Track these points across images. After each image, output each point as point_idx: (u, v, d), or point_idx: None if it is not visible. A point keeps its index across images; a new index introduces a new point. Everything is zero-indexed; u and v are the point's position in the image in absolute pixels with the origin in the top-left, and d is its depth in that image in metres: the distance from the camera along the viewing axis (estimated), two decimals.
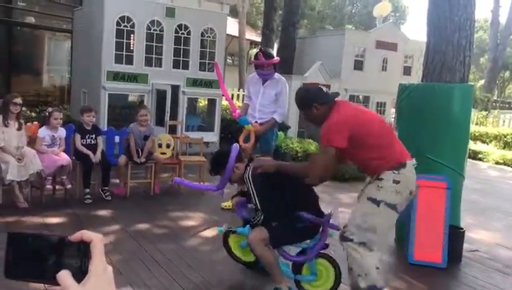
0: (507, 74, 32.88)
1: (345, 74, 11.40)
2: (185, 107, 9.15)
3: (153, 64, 8.83)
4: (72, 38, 11.11)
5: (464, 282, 4.02)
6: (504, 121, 16.91)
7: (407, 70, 12.47)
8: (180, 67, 9.00)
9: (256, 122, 5.43)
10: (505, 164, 11.38)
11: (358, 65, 11.64)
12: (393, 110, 12.27)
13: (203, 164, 6.39)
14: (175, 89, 8.89)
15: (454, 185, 4.43)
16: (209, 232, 4.82)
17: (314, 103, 3.16)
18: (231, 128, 10.27)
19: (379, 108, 12.08)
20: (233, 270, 3.92)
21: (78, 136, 5.63)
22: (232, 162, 3.46)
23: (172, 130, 8.62)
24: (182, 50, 8.95)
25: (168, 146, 6.39)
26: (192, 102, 10.01)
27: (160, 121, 8.64)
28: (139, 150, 5.92)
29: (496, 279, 4.11)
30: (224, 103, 10.95)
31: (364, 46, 11.66)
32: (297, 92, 3.39)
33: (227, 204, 5.67)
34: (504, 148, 12.91)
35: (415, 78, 12.14)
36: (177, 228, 4.90)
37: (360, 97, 11.82)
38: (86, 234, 0.71)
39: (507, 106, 36.86)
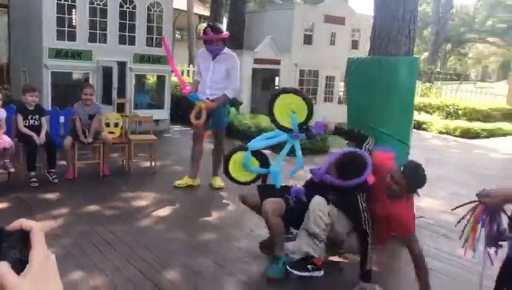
0: (449, 46, 34.10)
1: (294, 48, 11.42)
2: (133, 84, 8.90)
3: (98, 41, 8.48)
4: (9, 13, 10.47)
5: None
6: (446, 92, 17.61)
7: (355, 44, 12.64)
8: (127, 43, 8.70)
9: (207, 98, 5.37)
10: (447, 133, 11.90)
11: (308, 39, 11.67)
12: (342, 84, 12.48)
13: (154, 143, 6.28)
14: (122, 65, 8.61)
15: (400, 155, 4.57)
16: (163, 212, 4.77)
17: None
18: (182, 106, 10.13)
19: (328, 82, 12.24)
20: (188, 249, 3.91)
21: (20, 117, 5.36)
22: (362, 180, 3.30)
23: (121, 108, 8.39)
24: (127, 25, 8.64)
25: (116, 125, 6.22)
26: (140, 79, 9.74)
27: (107, 100, 8.38)
28: (86, 130, 5.73)
29: (441, 243, 4.33)
30: (174, 79, 10.75)
31: (313, 20, 11.69)
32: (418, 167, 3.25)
33: (181, 182, 5.62)
34: (446, 118, 13.48)
35: (363, 52, 12.34)
36: (129, 209, 4.81)
37: (310, 71, 11.91)
38: (24, 223, 0.67)
39: (449, 77, 38.37)
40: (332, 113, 12.05)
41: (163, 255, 3.71)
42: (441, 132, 12.03)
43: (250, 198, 3.82)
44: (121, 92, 8.61)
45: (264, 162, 4.07)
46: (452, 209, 2.17)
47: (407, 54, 4.68)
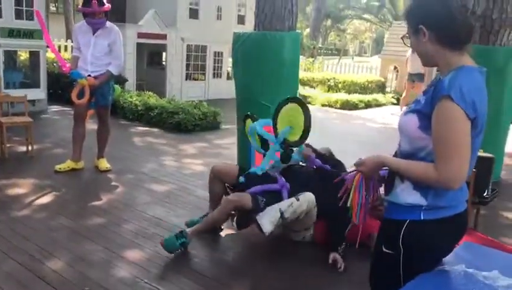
0: (329, 22, 35.85)
1: (180, 22, 11.14)
2: (2, 61, 8.05)
3: None
4: None
5: None
6: (328, 66, 18.55)
7: (241, 19, 12.70)
8: None
9: (89, 75, 5.03)
10: (329, 105, 12.57)
11: (194, 14, 11.46)
12: (230, 59, 12.51)
13: (29, 125, 5.77)
14: None
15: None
16: (44, 199, 4.42)
17: None
18: (60, 84, 9.44)
19: (216, 57, 12.20)
20: (74, 236, 3.68)
21: None
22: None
23: None
24: None
25: None
26: (10, 55, 8.83)
27: None
28: None
29: None
30: (50, 55, 9.92)
31: None
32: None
33: (63, 166, 5.25)
34: (328, 91, 14.24)
35: (249, 27, 12.44)
36: (4, 198, 4.37)
37: (198, 47, 11.74)
38: None
39: (330, 52, 40.41)
40: (221, 89, 12.13)
41: (46, 245, 3.46)
42: (323, 105, 12.67)
43: (229, 169, 3.92)
44: None
45: (264, 145, 3.93)
46: (335, 182, 2.27)
47: (290, 29, 4.80)
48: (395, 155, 1.85)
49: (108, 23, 5.15)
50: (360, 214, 1.88)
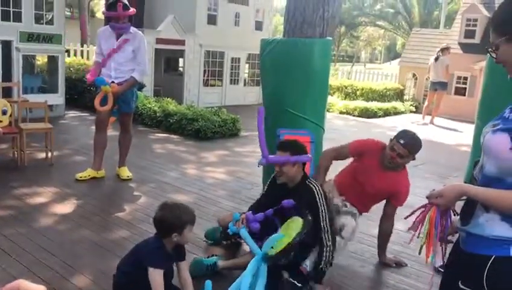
0: (343, 29, 35.59)
1: (198, 28, 11.03)
2: (21, 66, 7.97)
3: None
4: None
5: None
6: (343, 73, 18.33)
7: (258, 26, 12.54)
8: (11, 19, 7.73)
9: (113, 82, 4.90)
10: (347, 113, 12.37)
11: (212, 20, 11.34)
12: (247, 66, 12.37)
13: (50, 131, 5.65)
14: (7, 45, 7.66)
15: (316, 138, 4.55)
16: (65, 209, 4.28)
17: None
18: (77, 89, 9.36)
19: (233, 64, 12.05)
20: (98, 249, 3.52)
21: None
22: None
23: (7, 93, 7.47)
24: None
25: (4, 113, 5.46)
26: (29, 60, 8.77)
27: None
28: None
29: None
30: (68, 59, 9.86)
31: None
32: (414, 134, 3.45)
33: (83, 175, 5.11)
34: (345, 98, 14.02)
35: (266, 33, 12.29)
36: (24, 208, 4.24)
37: (216, 53, 11.61)
38: (24, 286, 0.57)
39: (341, 59, 40.00)
40: (238, 96, 11.99)
41: (70, 259, 3.30)
42: (341, 112, 12.47)
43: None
44: (7, 75, 7.67)
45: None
46: (405, 218, 2.08)
47: (321, 36, 4.62)
48: (471, 180, 1.65)
49: (132, 29, 5.02)
50: (434, 249, 1.69)
